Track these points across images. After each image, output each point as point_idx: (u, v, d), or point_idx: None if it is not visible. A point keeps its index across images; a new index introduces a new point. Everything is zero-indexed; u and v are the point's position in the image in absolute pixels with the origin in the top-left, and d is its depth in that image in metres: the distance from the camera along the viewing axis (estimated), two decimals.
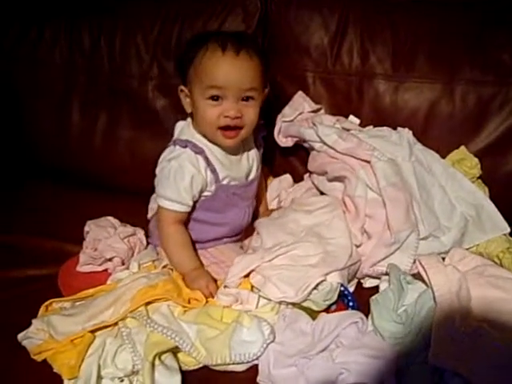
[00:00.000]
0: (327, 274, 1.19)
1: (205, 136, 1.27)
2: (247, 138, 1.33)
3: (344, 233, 1.30)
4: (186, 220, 1.31)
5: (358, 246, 1.32)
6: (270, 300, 1.18)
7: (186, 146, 1.25)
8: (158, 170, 1.28)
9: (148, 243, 1.40)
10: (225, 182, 1.30)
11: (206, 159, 1.26)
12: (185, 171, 1.24)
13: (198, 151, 1.25)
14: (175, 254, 1.28)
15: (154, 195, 1.58)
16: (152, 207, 1.56)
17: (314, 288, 1.17)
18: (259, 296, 1.19)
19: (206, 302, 1.19)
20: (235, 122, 1.21)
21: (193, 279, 1.21)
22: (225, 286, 1.21)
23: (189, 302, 1.18)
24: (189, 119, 1.32)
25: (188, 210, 1.28)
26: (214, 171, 1.27)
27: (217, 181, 1.29)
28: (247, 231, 1.45)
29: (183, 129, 1.32)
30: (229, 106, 1.20)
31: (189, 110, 1.28)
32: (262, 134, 1.43)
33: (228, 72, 1.18)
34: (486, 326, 1.04)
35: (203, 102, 1.21)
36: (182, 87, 1.27)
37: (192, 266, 1.26)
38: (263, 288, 1.18)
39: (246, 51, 1.19)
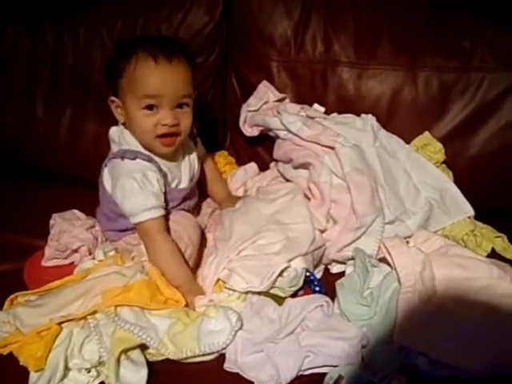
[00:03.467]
0: (291, 260, 1.20)
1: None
2: (186, 143, 1.34)
3: (305, 218, 1.30)
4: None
5: (322, 232, 1.32)
6: (235, 291, 1.18)
7: (135, 158, 1.23)
8: (117, 189, 1.23)
9: None
10: (173, 186, 1.30)
11: (156, 164, 1.25)
12: (150, 178, 1.22)
13: (148, 159, 1.24)
14: (170, 265, 1.21)
15: None
16: None
17: (279, 275, 1.18)
18: (227, 289, 1.20)
19: (186, 305, 1.17)
20: (173, 130, 1.21)
21: (188, 291, 1.19)
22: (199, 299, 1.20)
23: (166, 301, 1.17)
24: (121, 126, 1.30)
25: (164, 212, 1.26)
26: (165, 176, 1.27)
27: (167, 185, 1.28)
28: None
29: (121, 138, 1.29)
30: (165, 114, 1.19)
31: (122, 121, 1.27)
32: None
33: (163, 81, 1.18)
34: (451, 305, 1.06)
35: (138, 112, 1.20)
36: (113, 98, 1.25)
37: (187, 278, 1.22)
38: (229, 280, 1.19)
39: (177, 58, 1.19)
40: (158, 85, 1.17)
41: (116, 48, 1.26)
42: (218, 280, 1.22)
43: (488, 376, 0.99)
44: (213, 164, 1.56)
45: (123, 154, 1.23)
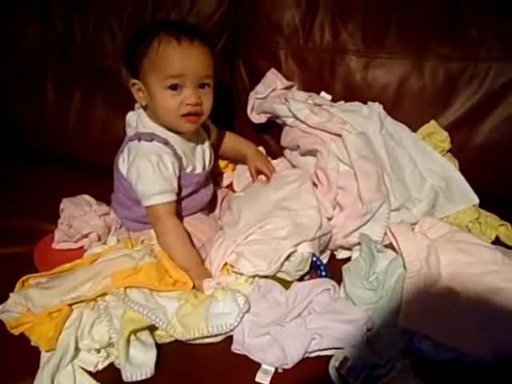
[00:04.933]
0: (297, 245, 1.21)
1: (164, 126, 1.27)
2: (200, 130, 1.37)
3: (313, 205, 1.31)
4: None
5: (329, 219, 1.33)
6: (243, 275, 1.20)
7: (152, 140, 1.24)
8: (132, 170, 1.24)
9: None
10: (188, 171, 1.31)
11: (172, 148, 1.26)
12: (165, 160, 1.24)
13: (164, 142, 1.25)
14: (179, 248, 1.24)
15: None
16: None
17: (286, 259, 1.19)
18: (234, 273, 1.21)
19: (193, 287, 1.19)
20: (196, 109, 1.23)
21: (197, 275, 1.20)
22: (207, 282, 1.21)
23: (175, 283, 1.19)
24: (139, 110, 1.32)
25: (176, 197, 1.27)
26: (180, 159, 1.28)
27: (182, 169, 1.29)
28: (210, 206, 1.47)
29: (138, 122, 1.30)
30: (189, 93, 1.21)
31: (143, 103, 1.27)
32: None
33: (186, 60, 1.20)
34: (455, 290, 1.08)
35: (163, 93, 1.21)
36: (135, 81, 1.26)
37: (196, 262, 1.24)
38: (236, 264, 1.20)
39: (198, 39, 1.21)
40: (181, 64, 1.19)
41: (135, 34, 1.28)
42: (226, 264, 1.23)
43: (490, 360, 1.01)
44: (228, 132, 1.57)
45: (140, 136, 1.25)
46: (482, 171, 1.49)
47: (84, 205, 1.39)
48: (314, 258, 1.22)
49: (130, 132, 1.32)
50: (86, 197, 1.44)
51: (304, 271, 1.21)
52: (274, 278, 1.19)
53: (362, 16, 1.53)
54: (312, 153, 1.40)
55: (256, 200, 1.36)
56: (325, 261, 1.31)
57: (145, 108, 1.29)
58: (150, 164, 1.22)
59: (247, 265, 1.19)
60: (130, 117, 1.34)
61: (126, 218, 1.36)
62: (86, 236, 1.32)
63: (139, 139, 1.25)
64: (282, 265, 1.19)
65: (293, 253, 1.20)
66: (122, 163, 1.29)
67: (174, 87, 1.20)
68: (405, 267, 1.11)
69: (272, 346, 1.05)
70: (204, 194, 1.39)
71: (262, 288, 1.16)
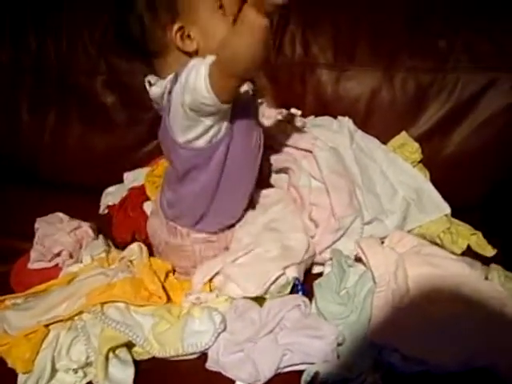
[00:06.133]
0: (286, 268, 1.21)
1: None
2: None
3: (300, 228, 1.30)
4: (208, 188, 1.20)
5: (312, 237, 1.32)
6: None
7: None
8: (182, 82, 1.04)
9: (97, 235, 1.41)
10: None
11: None
12: None
13: None
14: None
15: (106, 190, 1.60)
16: (104, 202, 1.58)
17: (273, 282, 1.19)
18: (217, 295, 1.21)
19: (168, 300, 1.20)
20: None
21: None
22: (187, 295, 1.22)
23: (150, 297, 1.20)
24: (167, 78, 1.12)
25: None
26: None
27: None
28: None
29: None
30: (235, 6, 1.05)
31: (193, 47, 1.09)
32: None
33: None
34: (423, 302, 1.09)
35: (216, 16, 1.07)
36: (178, 25, 1.07)
37: None
38: (224, 287, 1.20)
39: None
40: None
41: None
42: (209, 281, 1.23)
43: (460, 370, 1.02)
44: None
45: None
46: (452, 181, 1.51)
47: (57, 223, 1.40)
48: (296, 282, 1.22)
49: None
50: (60, 214, 1.44)
51: (285, 293, 1.21)
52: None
53: (332, 29, 1.55)
54: (284, 170, 1.41)
55: (246, 223, 1.33)
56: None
57: (191, 55, 1.10)
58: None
59: (235, 288, 1.19)
60: (157, 89, 1.14)
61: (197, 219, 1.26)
62: (58, 254, 1.33)
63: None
64: (269, 287, 1.19)
65: (280, 275, 1.20)
66: (175, 105, 1.08)
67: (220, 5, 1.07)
68: (374, 281, 1.13)
69: (245, 362, 1.06)
70: (257, 135, 1.24)
71: (240, 308, 1.16)
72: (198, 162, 1.15)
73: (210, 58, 0.99)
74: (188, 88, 1.02)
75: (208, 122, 1.07)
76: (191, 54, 1.09)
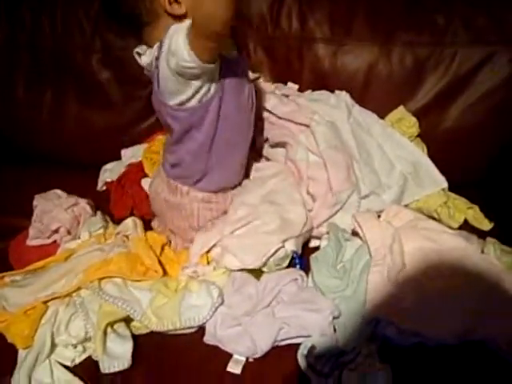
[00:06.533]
0: (285, 241, 1.21)
1: None
2: None
3: (298, 201, 1.31)
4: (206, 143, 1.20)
5: (310, 211, 1.33)
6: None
7: None
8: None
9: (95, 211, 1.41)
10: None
11: None
12: None
13: None
14: None
15: (104, 167, 1.60)
16: (102, 179, 1.58)
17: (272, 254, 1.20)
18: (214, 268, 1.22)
19: (164, 274, 1.21)
20: None
21: None
22: (184, 268, 1.23)
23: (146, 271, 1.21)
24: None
25: None
26: None
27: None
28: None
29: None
30: None
31: (182, 11, 1.07)
32: None
33: None
34: (419, 276, 1.10)
35: None
36: None
37: None
38: (221, 259, 1.21)
39: None
40: None
41: None
42: (206, 253, 1.24)
43: (454, 343, 1.03)
44: None
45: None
46: (450, 155, 1.51)
47: (55, 200, 1.40)
48: (294, 255, 1.24)
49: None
50: (58, 191, 1.44)
51: (282, 266, 1.22)
52: (249, 269, 1.20)
53: (329, 3, 1.53)
54: (281, 144, 1.41)
55: (243, 195, 1.33)
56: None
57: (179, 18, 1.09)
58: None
59: (232, 259, 1.20)
60: (145, 58, 1.16)
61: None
62: (56, 231, 1.34)
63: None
64: (268, 259, 1.20)
65: (279, 248, 1.21)
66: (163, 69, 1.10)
67: None
68: (370, 255, 1.13)
69: (242, 336, 1.08)
70: (248, 93, 1.25)
71: (237, 281, 1.17)
72: (192, 121, 1.17)
73: (188, 22, 1.01)
74: (171, 52, 1.04)
75: (197, 83, 1.09)
76: (180, 18, 1.09)
